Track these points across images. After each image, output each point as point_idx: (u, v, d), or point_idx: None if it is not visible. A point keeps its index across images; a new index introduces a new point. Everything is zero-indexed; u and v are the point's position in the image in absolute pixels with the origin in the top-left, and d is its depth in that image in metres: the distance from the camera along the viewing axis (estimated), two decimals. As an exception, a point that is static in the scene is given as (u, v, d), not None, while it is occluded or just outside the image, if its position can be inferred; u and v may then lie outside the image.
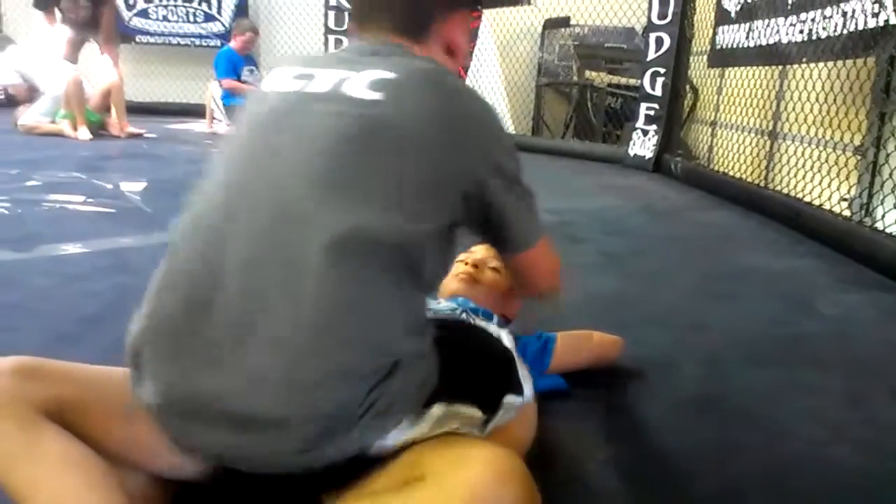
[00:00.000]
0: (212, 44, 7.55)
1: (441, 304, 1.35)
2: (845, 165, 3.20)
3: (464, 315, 1.29)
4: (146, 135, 5.69)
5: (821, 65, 3.40)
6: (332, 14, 6.92)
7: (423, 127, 0.91)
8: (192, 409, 0.82)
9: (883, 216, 2.83)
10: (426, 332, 0.93)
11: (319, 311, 0.82)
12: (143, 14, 7.49)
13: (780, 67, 3.99)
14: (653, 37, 5.05)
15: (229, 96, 6.04)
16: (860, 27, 2.89)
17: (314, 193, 0.86)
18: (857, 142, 3.22)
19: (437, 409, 0.91)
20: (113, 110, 5.73)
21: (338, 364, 0.82)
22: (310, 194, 0.86)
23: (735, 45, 4.25)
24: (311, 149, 0.89)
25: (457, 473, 0.80)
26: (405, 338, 0.88)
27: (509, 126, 6.41)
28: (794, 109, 3.72)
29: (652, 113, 5.10)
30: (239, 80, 6.04)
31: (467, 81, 6.64)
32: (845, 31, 3.00)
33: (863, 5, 2.87)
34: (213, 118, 6.26)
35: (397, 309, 0.88)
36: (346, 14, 6.88)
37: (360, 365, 0.83)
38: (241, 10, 7.48)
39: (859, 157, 3.20)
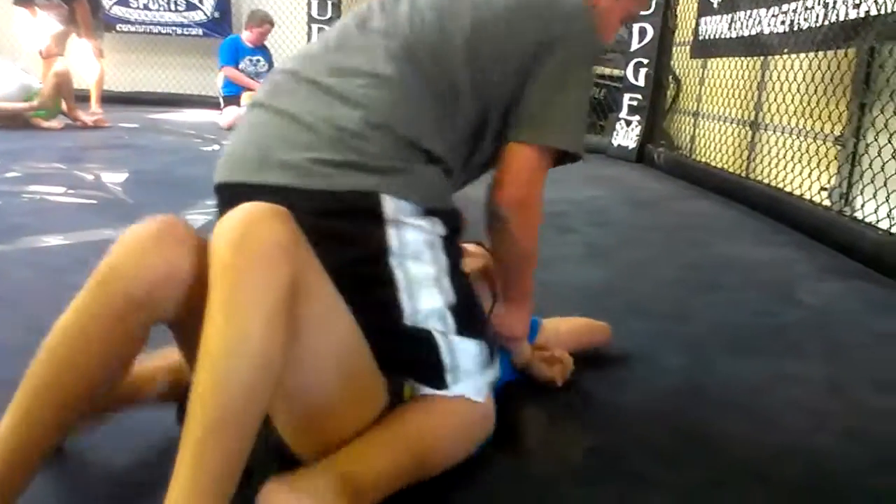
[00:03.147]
0: (193, 32, 7.47)
1: None
2: (825, 156, 3.24)
3: None
4: (125, 125, 5.62)
5: (802, 55, 3.42)
6: (315, 3, 6.88)
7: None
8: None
9: (862, 206, 2.86)
10: (450, 168, 1.12)
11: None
12: (124, 2, 7.39)
13: (762, 58, 4.02)
14: (636, 27, 5.05)
15: (229, 85, 5.93)
16: (841, 18, 2.91)
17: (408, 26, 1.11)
18: (837, 132, 3.25)
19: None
20: (94, 99, 5.68)
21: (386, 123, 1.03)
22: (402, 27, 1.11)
23: (717, 36, 4.27)
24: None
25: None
26: (438, 144, 1.08)
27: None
28: (775, 100, 3.75)
29: (635, 103, 5.12)
30: (237, 68, 5.94)
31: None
32: (826, 23, 3.02)
33: (844, -3, 2.89)
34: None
35: (439, 124, 1.09)
36: (330, 3, 6.84)
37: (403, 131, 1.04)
38: (224, -2, 7.41)
39: (839, 148, 3.24)
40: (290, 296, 0.83)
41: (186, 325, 0.88)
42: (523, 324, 1.35)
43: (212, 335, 0.81)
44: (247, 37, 6.00)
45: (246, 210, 0.86)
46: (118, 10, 7.39)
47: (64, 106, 5.35)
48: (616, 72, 5.63)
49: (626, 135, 5.16)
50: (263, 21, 6.00)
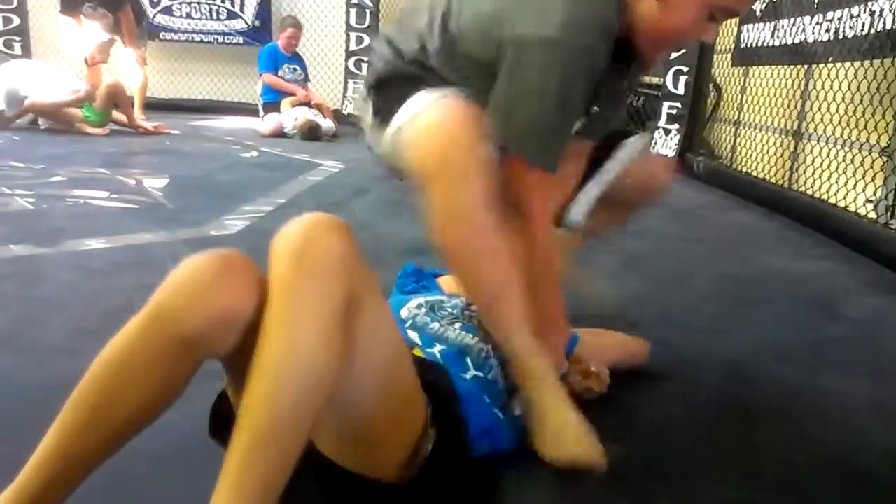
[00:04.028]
0: (234, 41, 7.59)
1: (449, 301, 1.35)
2: (871, 167, 3.16)
3: (464, 314, 1.29)
4: (171, 131, 5.72)
5: (847, 64, 3.35)
6: (353, 11, 6.94)
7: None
8: None
9: (909, 219, 2.79)
10: None
11: None
12: (167, 11, 7.54)
13: (806, 67, 3.94)
14: (676, 35, 4.99)
15: (268, 92, 6.03)
16: (888, 27, 2.84)
17: None
18: (883, 143, 3.17)
19: None
20: (136, 106, 5.81)
21: None
22: None
23: (760, 44, 4.20)
24: None
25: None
26: None
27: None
28: (819, 109, 3.67)
29: (674, 112, 5.06)
30: (276, 75, 6.02)
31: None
32: (873, 31, 2.95)
33: (891, 4, 2.83)
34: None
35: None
36: (367, 12, 6.90)
37: None
38: (265, 7, 7.51)
39: (885, 159, 3.15)
40: (347, 309, 0.82)
41: (239, 362, 0.86)
42: (555, 354, 1.30)
43: (266, 346, 0.80)
44: (280, 43, 6.13)
45: (306, 220, 0.85)
46: (161, 19, 7.54)
47: (115, 114, 5.50)
48: (655, 80, 5.58)
49: (665, 144, 5.10)
50: (287, 26, 6.15)
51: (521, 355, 1.21)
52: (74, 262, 2.21)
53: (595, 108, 1.33)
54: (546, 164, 1.20)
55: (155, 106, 6.54)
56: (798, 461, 1.28)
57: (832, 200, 3.31)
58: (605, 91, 1.30)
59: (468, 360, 1.21)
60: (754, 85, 4.64)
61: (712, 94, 5.28)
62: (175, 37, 7.59)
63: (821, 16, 3.41)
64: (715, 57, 5.06)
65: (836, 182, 3.35)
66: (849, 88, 3.36)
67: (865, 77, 3.20)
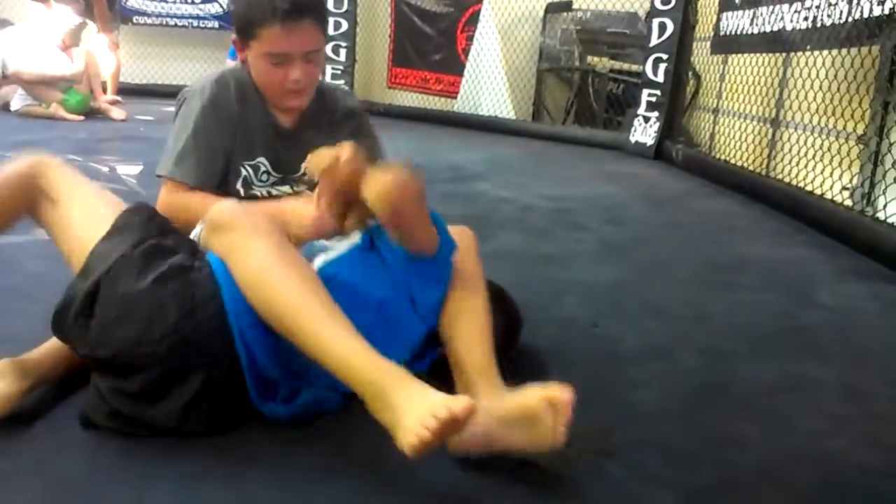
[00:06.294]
0: (209, 25, 7.48)
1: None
2: (848, 154, 3.18)
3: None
4: (141, 117, 5.64)
5: (825, 52, 3.37)
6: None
7: None
8: None
9: (885, 206, 2.81)
10: None
11: None
12: (141, -6, 7.42)
13: (784, 55, 3.96)
14: (656, 22, 5.00)
15: None
16: (865, 15, 2.86)
17: None
18: (859, 131, 3.20)
19: None
20: (110, 92, 5.72)
21: None
22: None
23: (739, 32, 4.21)
24: None
25: None
26: None
27: (509, 111, 6.35)
28: (797, 97, 3.70)
29: (654, 99, 5.06)
30: None
31: (468, 65, 6.53)
32: (850, 19, 2.97)
33: (869, -8, 2.84)
34: None
35: None
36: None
37: None
38: (241, -9, 7.40)
39: (862, 147, 3.18)
40: None
41: None
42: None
43: None
44: None
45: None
46: (134, 2, 7.39)
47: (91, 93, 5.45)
48: (634, 67, 5.58)
49: (644, 131, 5.11)
50: None
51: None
52: (46, 250, 2.14)
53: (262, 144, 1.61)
54: (176, 175, 1.61)
55: (129, 91, 6.42)
56: (774, 446, 1.29)
57: (809, 188, 3.33)
58: (278, 132, 1.60)
59: None
60: (733, 73, 4.66)
61: (692, 81, 5.30)
62: (148, 20, 7.46)
63: (799, 3, 3.42)
64: (694, 44, 5.07)
65: (814, 170, 3.38)
66: (826, 76, 3.38)
67: (843, 65, 3.22)
